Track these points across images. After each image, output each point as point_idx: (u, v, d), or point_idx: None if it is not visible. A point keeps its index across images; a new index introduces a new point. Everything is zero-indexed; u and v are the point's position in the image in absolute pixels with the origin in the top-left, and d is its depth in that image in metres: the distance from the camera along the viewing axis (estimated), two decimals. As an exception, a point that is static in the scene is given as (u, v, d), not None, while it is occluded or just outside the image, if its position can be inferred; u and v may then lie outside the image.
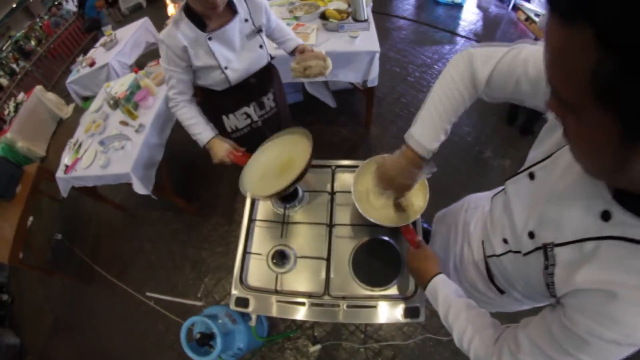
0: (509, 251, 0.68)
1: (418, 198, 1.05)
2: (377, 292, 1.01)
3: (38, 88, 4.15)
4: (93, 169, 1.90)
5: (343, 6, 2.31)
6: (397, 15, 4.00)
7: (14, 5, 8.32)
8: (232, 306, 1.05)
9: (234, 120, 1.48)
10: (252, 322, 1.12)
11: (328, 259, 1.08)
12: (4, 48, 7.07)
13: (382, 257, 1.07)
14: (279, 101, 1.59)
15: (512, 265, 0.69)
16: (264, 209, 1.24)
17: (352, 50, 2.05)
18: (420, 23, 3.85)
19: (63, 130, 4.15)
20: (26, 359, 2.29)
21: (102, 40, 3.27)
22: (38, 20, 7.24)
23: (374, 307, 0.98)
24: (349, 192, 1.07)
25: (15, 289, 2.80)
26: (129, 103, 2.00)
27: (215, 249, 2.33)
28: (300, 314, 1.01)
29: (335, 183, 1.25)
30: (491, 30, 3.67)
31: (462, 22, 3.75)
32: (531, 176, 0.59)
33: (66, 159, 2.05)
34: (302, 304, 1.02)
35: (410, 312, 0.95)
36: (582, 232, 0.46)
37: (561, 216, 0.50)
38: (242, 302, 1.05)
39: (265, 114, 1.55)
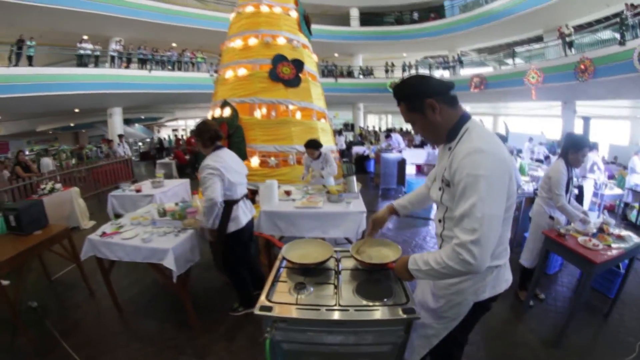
0: (443, 216, 1.27)
1: (392, 253, 1.54)
2: (378, 304, 1.29)
3: (75, 189, 4.73)
4: (133, 240, 2.20)
5: (339, 187, 3.52)
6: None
7: (72, 125, 10.16)
8: (256, 311, 1.26)
9: None
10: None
11: (337, 287, 1.41)
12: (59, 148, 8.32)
13: (379, 285, 1.42)
14: None
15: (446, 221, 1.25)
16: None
17: (347, 211, 2.99)
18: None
19: (75, 237, 4.05)
20: None
21: (152, 179, 4.22)
22: (86, 148, 8.78)
23: (378, 309, 1.25)
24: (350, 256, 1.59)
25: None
26: (180, 211, 2.62)
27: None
28: (317, 314, 1.23)
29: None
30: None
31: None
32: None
33: (107, 229, 2.36)
34: (318, 309, 1.26)
35: (407, 311, 1.24)
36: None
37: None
38: (266, 308, 1.27)
39: None
